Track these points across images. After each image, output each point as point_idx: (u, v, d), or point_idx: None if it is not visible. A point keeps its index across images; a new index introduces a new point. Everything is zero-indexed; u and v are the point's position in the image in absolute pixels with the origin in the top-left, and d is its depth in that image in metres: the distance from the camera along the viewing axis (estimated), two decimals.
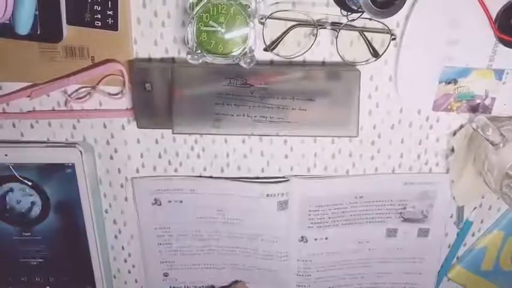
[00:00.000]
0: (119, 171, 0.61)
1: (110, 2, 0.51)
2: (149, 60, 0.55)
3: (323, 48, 0.54)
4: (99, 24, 0.51)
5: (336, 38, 0.52)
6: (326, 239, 0.64)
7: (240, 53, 0.51)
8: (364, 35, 0.53)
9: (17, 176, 0.60)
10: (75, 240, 0.63)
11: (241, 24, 0.50)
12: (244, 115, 0.55)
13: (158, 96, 0.55)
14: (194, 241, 0.65)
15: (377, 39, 0.53)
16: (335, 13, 0.51)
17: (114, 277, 0.68)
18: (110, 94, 0.56)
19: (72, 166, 0.58)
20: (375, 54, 0.54)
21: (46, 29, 0.51)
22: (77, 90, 0.56)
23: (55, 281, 0.67)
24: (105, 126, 0.58)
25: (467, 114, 0.58)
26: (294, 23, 0.52)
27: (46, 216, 0.62)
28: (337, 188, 0.61)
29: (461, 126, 0.59)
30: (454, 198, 0.63)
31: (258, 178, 0.61)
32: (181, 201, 0.62)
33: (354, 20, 0.51)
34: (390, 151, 0.60)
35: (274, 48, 0.53)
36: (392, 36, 0.52)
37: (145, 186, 0.61)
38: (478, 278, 0.69)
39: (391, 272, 0.67)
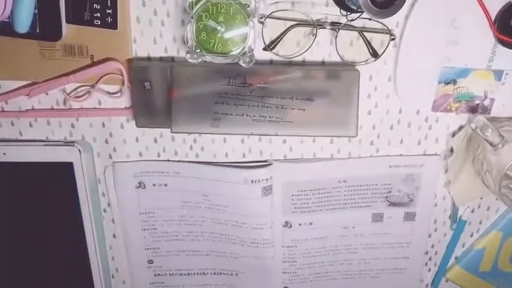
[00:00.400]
0: None
1: (109, 1, 0.51)
2: (148, 59, 0.55)
3: (322, 48, 0.54)
4: (99, 23, 0.51)
5: (336, 38, 0.52)
6: (310, 224, 0.63)
7: (239, 53, 0.51)
8: (364, 35, 0.53)
9: None
10: (73, 240, 0.63)
11: (240, 23, 0.50)
12: (243, 115, 0.55)
13: (157, 95, 0.55)
14: (179, 227, 0.64)
15: (376, 39, 0.53)
16: (334, 13, 0.51)
17: (113, 277, 0.68)
18: (109, 93, 0.56)
19: (71, 165, 0.58)
20: (374, 54, 0.54)
21: (45, 28, 0.51)
22: (76, 89, 0.56)
23: (53, 281, 0.67)
24: (104, 125, 0.58)
25: (467, 115, 0.58)
26: (293, 22, 0.52)
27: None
28: (320, 172, 0.61)
29: (461, 127, 0.59)
30: (452, 198, 0.63)
31: (240, 163, 0.60)
32: (165, 185, 0.61)
33: (353, 20, 0.51)
34: (389, 151, 0.60)
35: (273, 47, 0.53)
36: (392, 37, 0.52)
37: (130, 169, 0.60)
38: (476, 278, 0.68)
39: (379, 258, 0.66)
